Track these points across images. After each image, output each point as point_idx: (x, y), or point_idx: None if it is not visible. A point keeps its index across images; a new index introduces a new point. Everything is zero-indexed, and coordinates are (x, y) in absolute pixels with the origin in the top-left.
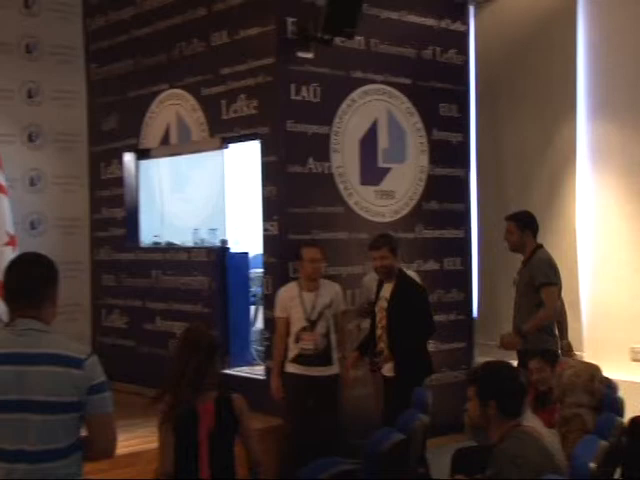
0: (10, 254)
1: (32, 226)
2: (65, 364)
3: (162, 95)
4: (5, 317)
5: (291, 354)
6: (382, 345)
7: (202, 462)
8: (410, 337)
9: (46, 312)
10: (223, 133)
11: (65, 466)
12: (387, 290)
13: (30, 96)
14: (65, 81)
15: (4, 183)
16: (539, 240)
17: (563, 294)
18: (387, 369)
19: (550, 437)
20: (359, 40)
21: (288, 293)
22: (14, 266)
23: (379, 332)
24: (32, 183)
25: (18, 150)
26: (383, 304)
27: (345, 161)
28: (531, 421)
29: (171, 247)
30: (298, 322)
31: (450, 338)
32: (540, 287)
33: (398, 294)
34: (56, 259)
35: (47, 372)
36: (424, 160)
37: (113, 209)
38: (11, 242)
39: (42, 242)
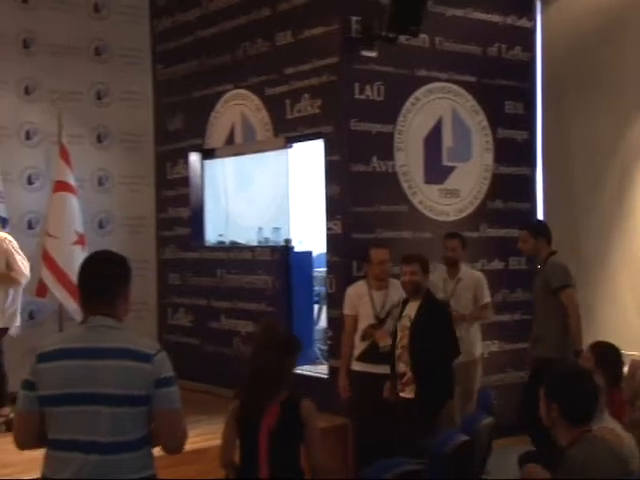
0: (79, 253)
1: (100, 225)
2: (135, 358)
3: (227, 95)
4: (78, 316)
5: (357, 352)
6: (403, 366)
7: (261, 461)
8: (435, 359)
9: (118, 309)
10: (287, 132)
11: (136, 458)
12: (412, 308)
13: (99, 97)
14: (132, 82)
15: (73, 183)
16: (611, 240)
17: (633, 295)
18: (407, 390)
19: (629, 440)
20: (423, 38)
21: (357, 291)
22: (87, 264)
23: (399, 351)
24: (100, 183)
25: (87, 151)
26: (406, 323)
27: (409, 160)
28: (609, 423)
29: (235, 246)
30: (366, 319)
31: (515, 338)
32: (558, 291)
33: (424, 313)
34: None
35: (117, 366)
36: (489, 158)
37: (179, 208)
38: (80, 241)
39: (110, 241)
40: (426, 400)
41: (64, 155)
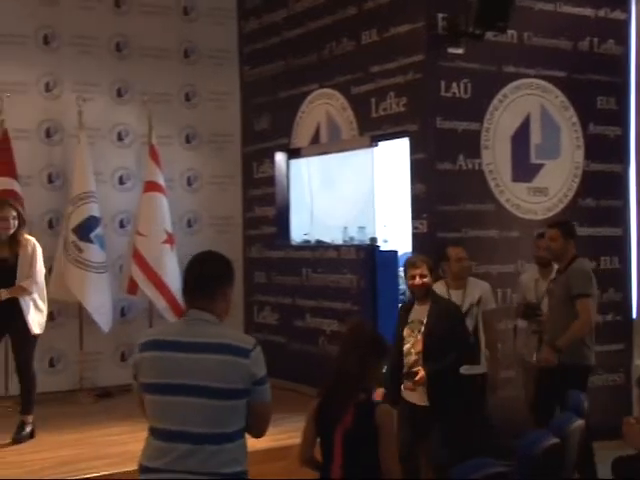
0: (168, 252)
1: (189, 224)
2: (233, 353)
3: (312, 95)
4: (167, 314)
5: None
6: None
7: (335, 462)
8: (453, 365)
9: (219, 306)
10: (372, 131)
11: (229, 450)
12: (420, 313)
13: (188, 99)
14: (220, 83)
15: (163, 183)
16: None
17: None
18: (417, 397)
19: None
20: (511, 34)
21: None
22: (192, 262)
23: (413, 358)
24: (189, 183)
25: (176, 151)
26: (417, 327)
27: (496, 158)
28: None
29: (320, 245)
30: None
31: (607, 340)
32: (575, 298)
33: (437, 317)
34: None
35: (216, 360)
36: (579, 156)
37: (265, 207)
38: (169, 240)
39: (198, 240)
40: (445, 410)
41: (154, 156)
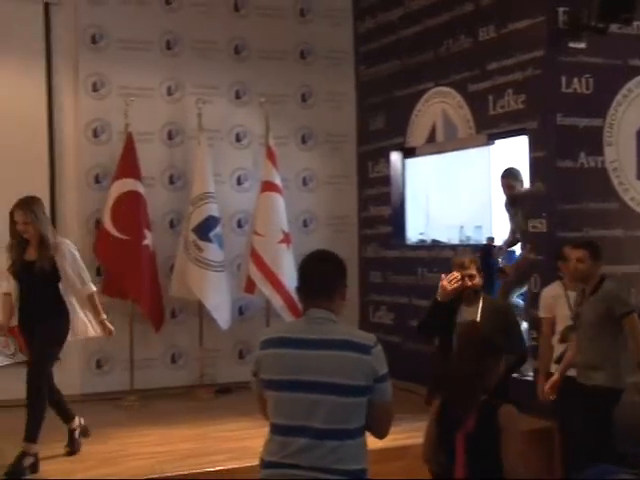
0: (285, 251)
1: (305, 224)
2: (355, 349)
3: (428, 93)
4: (283, 313)
5: (556, 354)
6: None
7: (458, 463)
8: (511, 369)
9: (335, 304)
10: (489, 129)
11: (349, 447)
12: (470, 315)
13: (304, 99)
14: (336, 84)
15: (279, 183)
16: None
17: None
18: None
19: None
20: (637, 25)
21: (551, 292)
22: (307, 261)
23: None
24: (305, 183)
25: (292, 151)
26: None
27: (620, 155)
28: None
29: (436, 245)
30: (563, 321)
31: None
32: (621, 318)
33: (491, 318)
34: None
35: (338, 356)
36: None
37: (380, 207)
38: (286, 240)
39: (314, 240)
40: None
41: (271, 156)
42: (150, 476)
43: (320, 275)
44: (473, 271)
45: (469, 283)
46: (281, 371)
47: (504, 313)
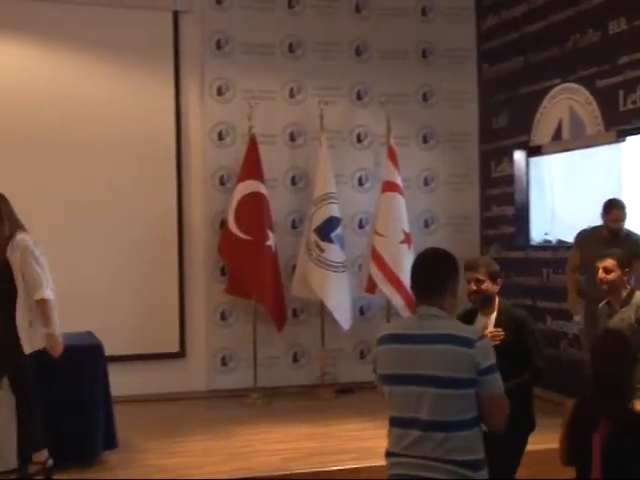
0: (406, 251)
1: (425, 224)
2: (458, 343)
3: (554, 90)
4: (403, 312)
5: None
6: None
7: (594, 463)
8: (522, 384)
9: (446, 301)
10: (619, 126)
11: (458, 438)
12: (484, 323)
13: (425, 99)
14: (458, 82)
15: (400, 183)
16: None
17: None
18: None
19: None
20: None
21: None
22: (419, 260)
23: None
24: (426, 183)
25: (413, 151)
26: None
27: None
28: None
29: (562, 245)
30: None
31: None
32: None
33: (505, 329)
34: None
35: (442, 350)
36: None
37: (503, 207)
38: (407, 240)
39: (434, 240)
40: (512, 433)
41: (392, 156)
42: (279, 472)
43: (430, 273)
44: (481, 275)
45: (474, 287)
46: (392, 366)
47: (521, 323)
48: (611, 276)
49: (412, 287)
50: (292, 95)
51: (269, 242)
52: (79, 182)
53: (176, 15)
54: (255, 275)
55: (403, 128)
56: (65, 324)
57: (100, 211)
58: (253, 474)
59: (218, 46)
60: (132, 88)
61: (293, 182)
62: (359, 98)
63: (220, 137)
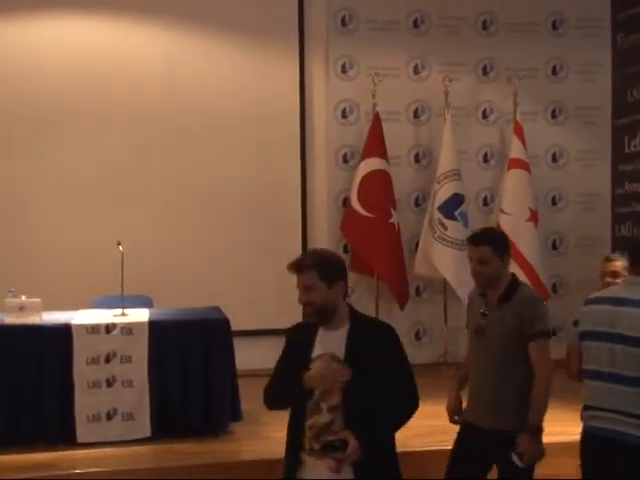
0: (531, 230)
1: (553, 202)
2: None
3: None
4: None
5: None
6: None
7: None
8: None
9: None
10: None
11: None
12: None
13: (554, 73)
14: (589, 54)
15: (527, 160)
16: None
17: None
18: None
19: None
20: None
21: None
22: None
23: (324, 418)
24: (554, 159)
25: (541, 127)
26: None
27: None
28: None
29: None
30: None
31: None
32: (532, 338)
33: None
34: (575, 235)
35: (633, 313)
36: None
37: (636, 184)
38: (532, 218)
39: (562, 218)
40: None
41: (518, 132)
42: (399, 449)
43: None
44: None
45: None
46: (588, 323)
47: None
48: (486, 269)
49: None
50: (416, 71)
51: (392, 220)
52: (205, 163)
53: None
54: (378, 253)
55: (531, 103)
56: (194, 299)
57: (226, 190)
58: None
59: (343, 23)
60: (256, 67)
61: (416, 159)
62: (485, 73)
63: (344, 115)
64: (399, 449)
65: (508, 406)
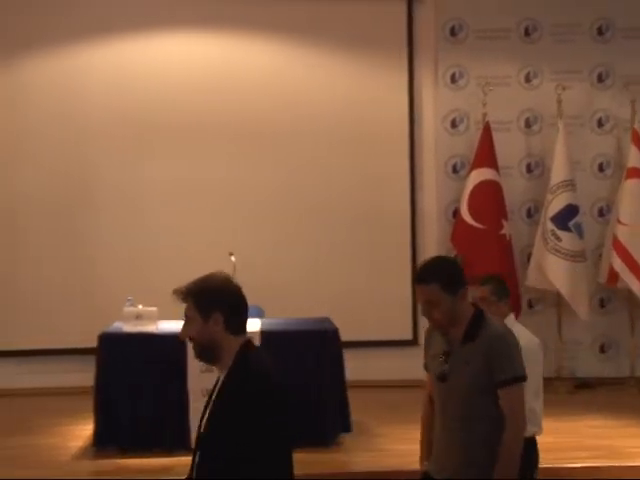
0: None
1: None
2: None
3: None
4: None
5: None
6: None
7: None
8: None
9: None
10: None
11: None
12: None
13: None
14: None
15: None
16: None
17: None
18: None
19: None
20: None
21: None
22: None
23: None
24: None
25: None
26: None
27: None
28: None
29: None
30: None
31: None
32: (503, 385)
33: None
34: None
35: None
36: None
37: None
38: None
39: None
40: None
41: (637, 141)
42: None
43: None
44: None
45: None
46: None
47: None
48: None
49: None
50: (528, 80)
51: (503, 231)
52: (314, 176)
53: (410, 4)
54: (489, 264)
55: None
56: (304, 309)
57: (335, 201)
58: None
59: (452, 33)
60: (365, 78)
61: (528, 169)
62: (600, 81)
63: (453, 124)
64: None
65: (474, 459)
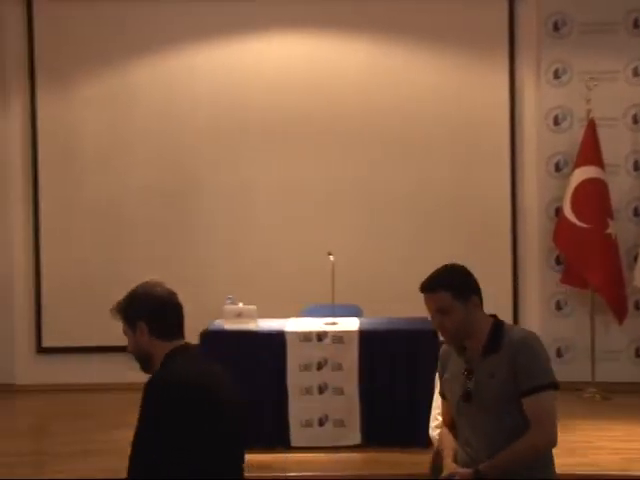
0: None
1: None
2: None
3: None
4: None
5: None
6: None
7: None
8: None
9: None
10: None
11: None
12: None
13: None
14: None
15: None
16: None
17: None
18: None
19: None
20: None
21: None
22: None
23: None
24: None
25: None
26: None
27: None
28: None
29: None
30: None
31: None
32: (533, 392)
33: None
34: None
35: None
36: None
37: None
38: None
39: None
40: None
41: None
42: (618, 472)
43: None
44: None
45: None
46: None
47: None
48: (453, 317)
49: None
50: (636, 74)
51: (609, 230)
52: (412, 174)
53: (512, 0)
54: (593, 265)
55: None
56: (402, 309)
57: (434, 201)
58: (594, 471)
59: (555, 28)
60: (465, 75)
61: (635, 167)
62: None
63: (556, 122)
64: (616, 472)
65: (513, 474)
